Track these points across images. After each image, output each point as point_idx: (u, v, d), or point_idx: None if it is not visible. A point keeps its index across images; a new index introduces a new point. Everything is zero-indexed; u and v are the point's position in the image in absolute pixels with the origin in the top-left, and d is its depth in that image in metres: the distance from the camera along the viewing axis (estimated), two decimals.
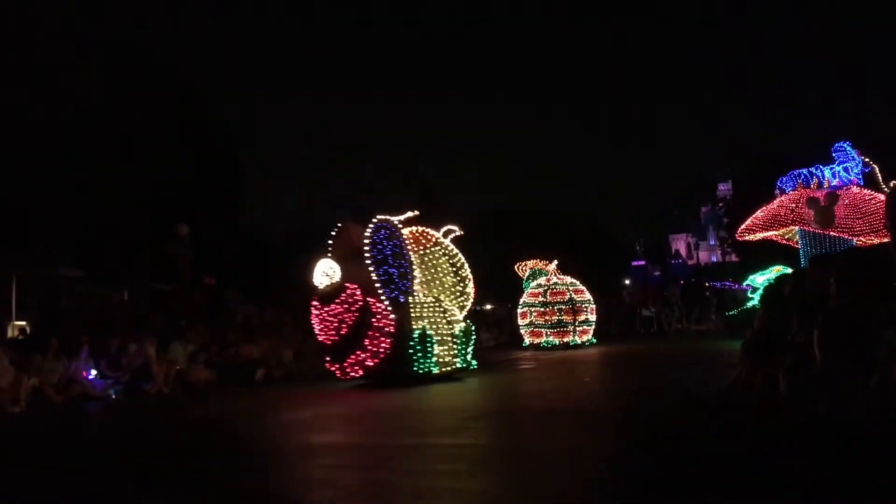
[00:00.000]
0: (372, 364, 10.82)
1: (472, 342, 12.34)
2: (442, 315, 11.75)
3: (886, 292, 3.33)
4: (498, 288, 26.18)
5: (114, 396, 11.82)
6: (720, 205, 79.17)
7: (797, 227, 15.82)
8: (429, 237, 12.47)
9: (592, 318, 19.90)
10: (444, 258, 12.57)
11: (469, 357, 12.13)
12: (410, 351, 10.84)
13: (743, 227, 17.33)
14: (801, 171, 16.24)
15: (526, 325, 19.82)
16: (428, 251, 12.44)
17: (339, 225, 11.55)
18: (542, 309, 19.36)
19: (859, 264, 3.63)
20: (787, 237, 17.25)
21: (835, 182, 15.79)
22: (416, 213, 11.90)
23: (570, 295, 19.54)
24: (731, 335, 18.61)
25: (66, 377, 11.58)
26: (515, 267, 20.80)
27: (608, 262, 48.22)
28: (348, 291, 10.77)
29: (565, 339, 19.17)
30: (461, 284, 12.66)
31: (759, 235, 17.13)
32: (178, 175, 29.33)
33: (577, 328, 19.35)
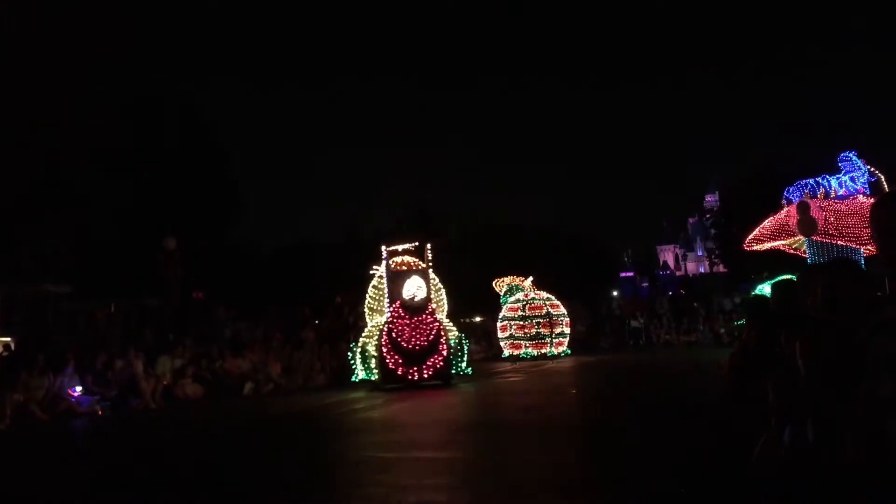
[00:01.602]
0: (439, 367, 12.52)
1: (466, 351, 14.26)
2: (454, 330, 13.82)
3: (872, 303, 3.33)
4: (486, 301, 26.23)
5: (100, 412, 11.70)
6: (707, 216, 79.68)
7: (804, 238, 15.80)
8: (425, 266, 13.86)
9: (567, 330, 20.80)
10: (437, 282, 13.90)
11: (464, 364, 13.90)
12: (451, 357, 12.85)
13: (751, 237, 17.28)
14: (807, 180, 16.21)
15: (506, 337, 20.73)
16: (431, 276, 13.70)
17: (384, 248, 13.38)
18: (521, 322, 20.32)
19: (845, 275, 3.64)
20: (794, 247, 17.24)
21: (841, 192, 15.80)
22: (416, 244, 13.73)
23: (547, 309, 20.53)
24: (720, 346, 18.66)
25: (52, 394, 11.45)
26: (493, 284, 21.50)
27: (596, 275, 48.28)
28: (431, 306, 12.71)
29: (543, 351, 20.06)
30: (445, 306, 14.29)
31: (767, 245, 17.09)
32: (166, 190, 29.17)
33: (554, 340, 20.23)
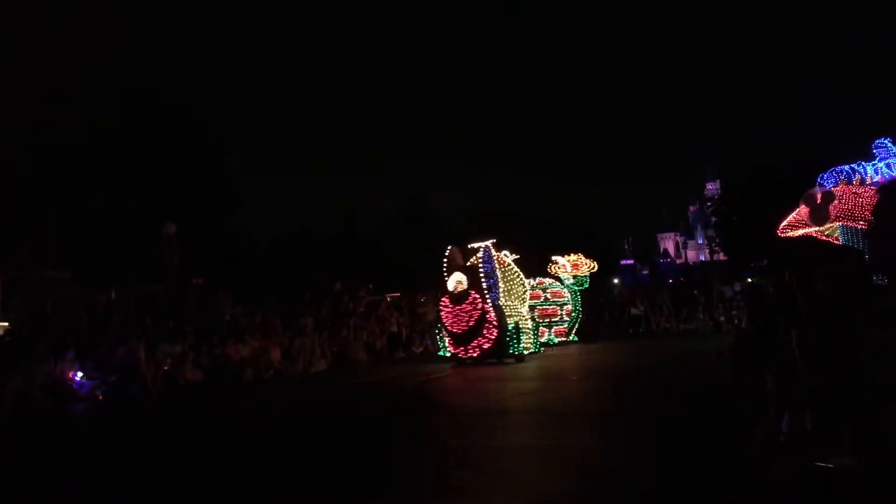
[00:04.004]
0: (486, 347, 14.54)
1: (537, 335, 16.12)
2: (523, 315, 15.61)
3: (871, 293, 3.33)
4: None
5: (100, 398, 11.73)
6: (708, 204, 79.58)
7: (838, 224, 15.73)
8: (502, 259, 15.96)
9: (567, 318, 20.85)
10: (515, 275, 16.29)
11: (539, 345, 16.05)
12: (507, 339, 14.56)
13: (784, 223, 17.20)
14: (842, 167, 16.11)
15: None
16: (505, 269, 15.87)
17: (449, 248, 15.42)
18: (544, 307, 20.30)
19: (847, 267, 3.63)
20: (826, 233, 17.20)
21: (877, 178, 15.73)
22: (493, 241, 15.42)
23: (567, 296, 20.76)
24: (719, 334, 18.68)
25: (52, 379, 11.48)
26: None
27: (596, 263, 48.27)
28: (473, 296, 14.68)
29: (561, 337, 20.35)
30: (525, 294, 16.53)
31: (800, 232, 17.02)
32: (166, 176, 29.11)
33: (560, 325, 20.51)
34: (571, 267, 21.06)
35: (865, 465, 2.88)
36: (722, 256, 62.61)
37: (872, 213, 2.90)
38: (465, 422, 7.52)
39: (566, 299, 20.72)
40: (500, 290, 14.97)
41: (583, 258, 21.35)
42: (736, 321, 22.43)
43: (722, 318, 24.66)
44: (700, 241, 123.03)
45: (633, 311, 25.61)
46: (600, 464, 4.97)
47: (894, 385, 2.55)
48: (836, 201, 15.46)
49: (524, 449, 5.75)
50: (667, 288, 30.52)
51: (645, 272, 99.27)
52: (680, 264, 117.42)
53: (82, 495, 5.10)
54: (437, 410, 8.73)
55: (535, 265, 22.12)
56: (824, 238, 17.44)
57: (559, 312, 20.40)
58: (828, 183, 16.17)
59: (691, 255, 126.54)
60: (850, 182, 15.82)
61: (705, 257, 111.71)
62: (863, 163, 15.99)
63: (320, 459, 5.84)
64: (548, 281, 20.92)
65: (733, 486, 4.05)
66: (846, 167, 16.00)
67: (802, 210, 16.67)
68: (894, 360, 2.57)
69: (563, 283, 20.97)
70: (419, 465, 5.35)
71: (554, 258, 21.52)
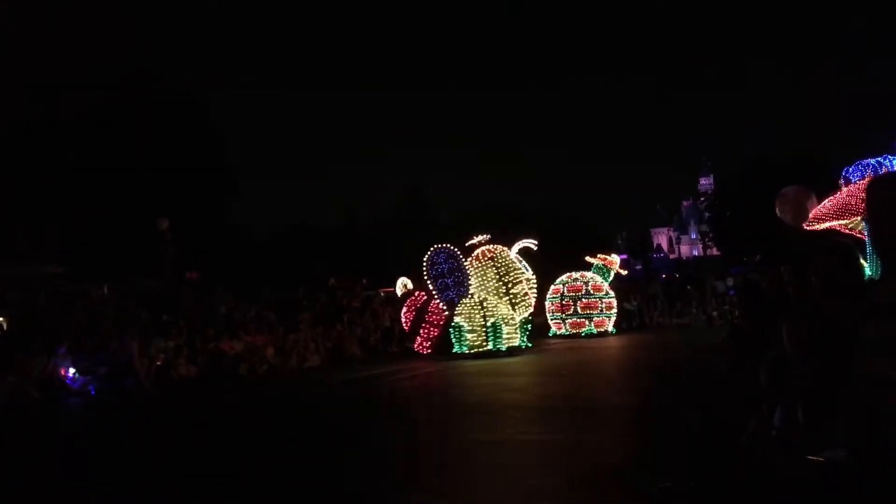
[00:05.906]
0: (428, 344, 15.68)
1: (502, 332, 15.22)
2: (479, 310, 15.15)
3: (864, 286, 3.36)
4: None
5: (93, 393, 11.71)
6: (702, 199, 79.84)
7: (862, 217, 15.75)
8: (485, 253, 15.97)
9: (608, 311, 21.07)
10: (491, 269, 15.81)
11: (498, 343, 15.09)
12: (451, 337, 15.18)
13: (810, 216, 17.24)
14: (868, 160, 16.17)
15: (569, 315, 20.83)
16: (481, 265, 15.83)
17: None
18: (586, 300, 20.63)
19: (842, 262, 3.66)
20: (850, 227, 17.21)
21: None
22: (488, 236, 16.25)
23: (587, 289, 20.89)
24: (712, 329, 18.73)
25: (46, 374, 11.45)
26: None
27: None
28: (415, 296, 16.28)
29: (601, 328, 20.59)
30: (506, 287, 15.71)
31: (825, 225, 17.03)
32: (163, 171, 28.99)
33: (595, 318, 20.69)
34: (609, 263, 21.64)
35: (857, 458, 2.91)
36: (715, 251, 62.85)
37: (869, 214, 2.91)
38: (458, 416, 7.55)
39: (606, 293, 20.96)
40: (472, 286, 15.27)
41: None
42: (729, 316, 22.54)
43: (715, 313, 24.78)
44: (693, 237, 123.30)
45: (627, 305, 25.68)
46: (595, 459, 5.00)
47: (887, 379, 2.58)
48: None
49: (517, 443, 5.78)
50: (660, 283, 30.60)
51: (638, 267, 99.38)
52: (673, 259, 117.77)
53: (75, 490, 5.10)
54: (430, 405, 8.76)
55: (535, 259, 22.13)
56: (847, 231, 17.46)
57: (599, 305, 20.61)
58: (853, 176, 16.15)
59: (684, 250, 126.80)
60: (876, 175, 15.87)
61: (698, 252, 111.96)
62: (889, 156, 16.02)
63: (315, 455, 5.85)
64: (589, 275, 21.17)
65: (727, 481, 4.08)
66: (873, 160, 15.95)
67: (828, 203, 16.63)
68: (886, 354, 2.59)
69: (604, 278, 21.17)
70: (413, 459, 5.37)
71: (601, 255, 21.96)
